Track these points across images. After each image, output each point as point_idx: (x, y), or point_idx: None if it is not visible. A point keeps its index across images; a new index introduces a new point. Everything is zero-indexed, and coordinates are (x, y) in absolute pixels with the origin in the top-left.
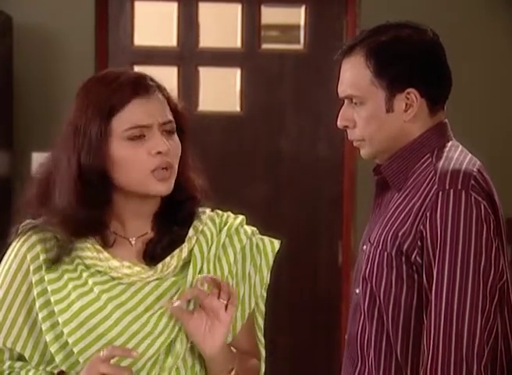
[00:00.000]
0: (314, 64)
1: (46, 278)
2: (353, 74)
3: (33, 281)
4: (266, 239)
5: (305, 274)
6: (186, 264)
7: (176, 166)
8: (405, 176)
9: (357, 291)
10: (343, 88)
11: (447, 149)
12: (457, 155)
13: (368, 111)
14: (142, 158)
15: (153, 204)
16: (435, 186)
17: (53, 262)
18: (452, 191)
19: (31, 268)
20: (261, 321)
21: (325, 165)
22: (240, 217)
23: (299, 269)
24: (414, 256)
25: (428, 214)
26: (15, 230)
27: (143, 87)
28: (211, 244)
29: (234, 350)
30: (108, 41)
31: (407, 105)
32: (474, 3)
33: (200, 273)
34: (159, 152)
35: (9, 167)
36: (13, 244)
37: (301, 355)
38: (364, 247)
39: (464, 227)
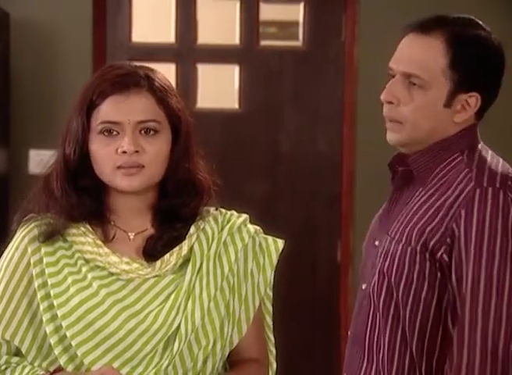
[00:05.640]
0: (313, 61)
1: (46, 271)
2: (427, 56)
3: (34, 274)
4: (270, 238)
5: (304, 272)
6: (185, 262)
7: (153, 167)
8: (431, 171)
9: (364, 286)
10: (409, 65)
11: (478, 151)
12: (490, 157)
13: (427, 97)
14: (109, 155)
15: (144, 199)
16: (472, 183)
17: (47, 237)
18: (490, 189)
19: (32, 261)
20: (269, 320)
21: (324, 162)
22: (244, 216)
23: (298, 268)
24: (440, 253)
25: (462, 212)
26: (17, 220)
27: (122, 84)
28: (212, 242)
29: None
30: (106, 37)
31: (462, 106)
32: (475, 1)
33: (199, 270)
34: (124, 152)
35: (6, 164)
36: (15, 236)
37: (300, 352)
38: (377, 242)
39: (502, 227)
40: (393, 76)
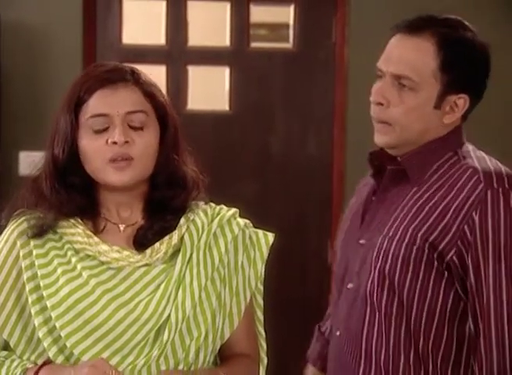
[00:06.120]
0: (303, 63)
1: (36, 263)
2: (417, 57)
3: (23, 266)
4: (260, 232)
5: (294, 272)
6: (176, 252)
7: (142, 160)
8: (426, 170)
9: (350, 286)
10: (399, 67)
11: (471, 150)
12: (487, 157)
13: (417, 99)
14: (99, 148)
15: (135, 194)
16: (481, 184)
17: (36, 233)
18: (501, 189)
19: (21, 253)
20: (260, 314)
21: (314, 164)
22: (233, 209)
23: (288, 268)
24: (450, 255)
25: (475, 214)
26: (5, 216)
27: (109, 78)
28: (202, 233)
29: None
30: (96, 39)
31: (451, 107)
32: (464, 2)
33: (189, 260)
34: (114, 142)
35: None
36: (5, 230)
37: (289, 352)
38: (362, 241)
39: None
40: (381, 77)
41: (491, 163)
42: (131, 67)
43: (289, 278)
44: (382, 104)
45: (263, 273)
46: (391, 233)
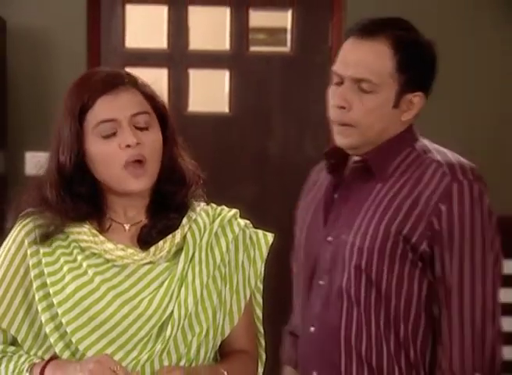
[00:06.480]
0: (301, 66)
1: (43, 261)
2: (375, 61)
3: (31, 264)
4: (260, 232)
5: (291, 273)
6: (179, 251)
7: (153, 159)
8: (387, 167)
9: (322, 282)
10: (360, 70)
11: (428, 144)
12: (447, 150)
13: (376, 101)
14: (113, 153)
15: (142, 197)
16: (447, 177)
17: (45, 236)
18: (466, 182)
19: (28, 252)
20: (259, 312)
21: (312, 166)
22: (234, 210)
23: (286, 268)
24: (422, 247)
25: (442, 207)
26: (10, 217)
27: (110, 84)
28: (204, 233)
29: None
30: (100, 43)
31: (407, 105)
32: (462, 4)
33: (192, 259)
34: (128, 146)
35: (4, 166)
36: (13, 230)
37: None
38: (330, 238)
39: (482, 218)
40: (339, 81)
41: (453, 157)
42: (125, 71)
43: (287, 278)
44: (344, 107)
45: (262, 272)
46: (362, 229)
